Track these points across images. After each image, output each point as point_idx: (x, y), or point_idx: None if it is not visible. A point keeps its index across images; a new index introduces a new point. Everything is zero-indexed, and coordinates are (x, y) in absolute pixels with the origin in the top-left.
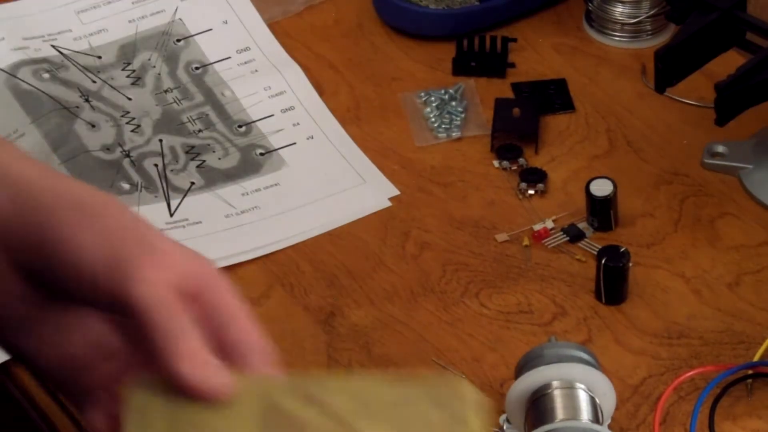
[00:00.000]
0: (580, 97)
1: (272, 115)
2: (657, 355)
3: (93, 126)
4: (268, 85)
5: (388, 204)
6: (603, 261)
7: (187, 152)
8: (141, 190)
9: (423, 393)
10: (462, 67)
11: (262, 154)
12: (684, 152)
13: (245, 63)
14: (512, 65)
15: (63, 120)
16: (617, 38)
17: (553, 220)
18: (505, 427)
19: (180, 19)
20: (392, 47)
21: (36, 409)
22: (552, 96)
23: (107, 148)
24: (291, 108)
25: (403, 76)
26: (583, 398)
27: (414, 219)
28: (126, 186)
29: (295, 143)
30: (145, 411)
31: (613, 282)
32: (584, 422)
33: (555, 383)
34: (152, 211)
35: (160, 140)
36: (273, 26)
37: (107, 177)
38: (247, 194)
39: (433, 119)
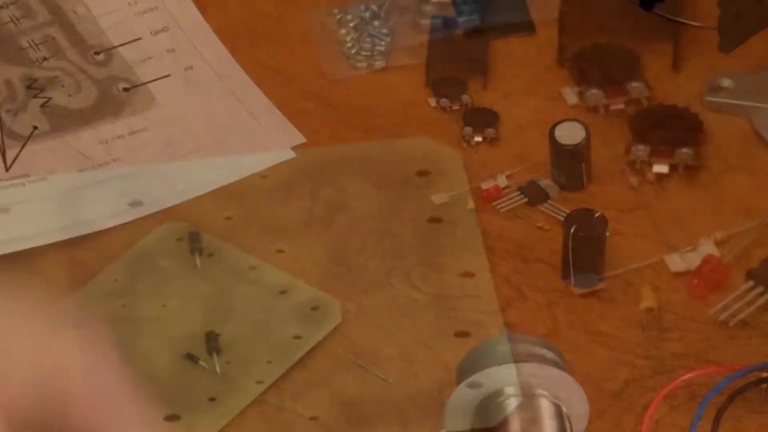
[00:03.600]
0: (543, 14)
1: (139, 39)
2: (643, 353)
3: None
4: None
5: (292, 155)
6: (572, 229)
7: (28, 87)
8: None
9: None
10: None
11: (126, 90)
12: (679, 87)
13: None
14: None
15: None
16: None
17: (507, 176)
18: None
19: None
20: None
21: None
22: (505, 13)
23: None
24: (164, 29)
25: None
26: (545, 409)
27: (325, 175)
28: None
29: (169, 75)
30: None
31: (585, 256)
32: None
33: (509, 390)
34: None
35: None
36: None
37: None
38: (106, 142)
39: (350, 44)
